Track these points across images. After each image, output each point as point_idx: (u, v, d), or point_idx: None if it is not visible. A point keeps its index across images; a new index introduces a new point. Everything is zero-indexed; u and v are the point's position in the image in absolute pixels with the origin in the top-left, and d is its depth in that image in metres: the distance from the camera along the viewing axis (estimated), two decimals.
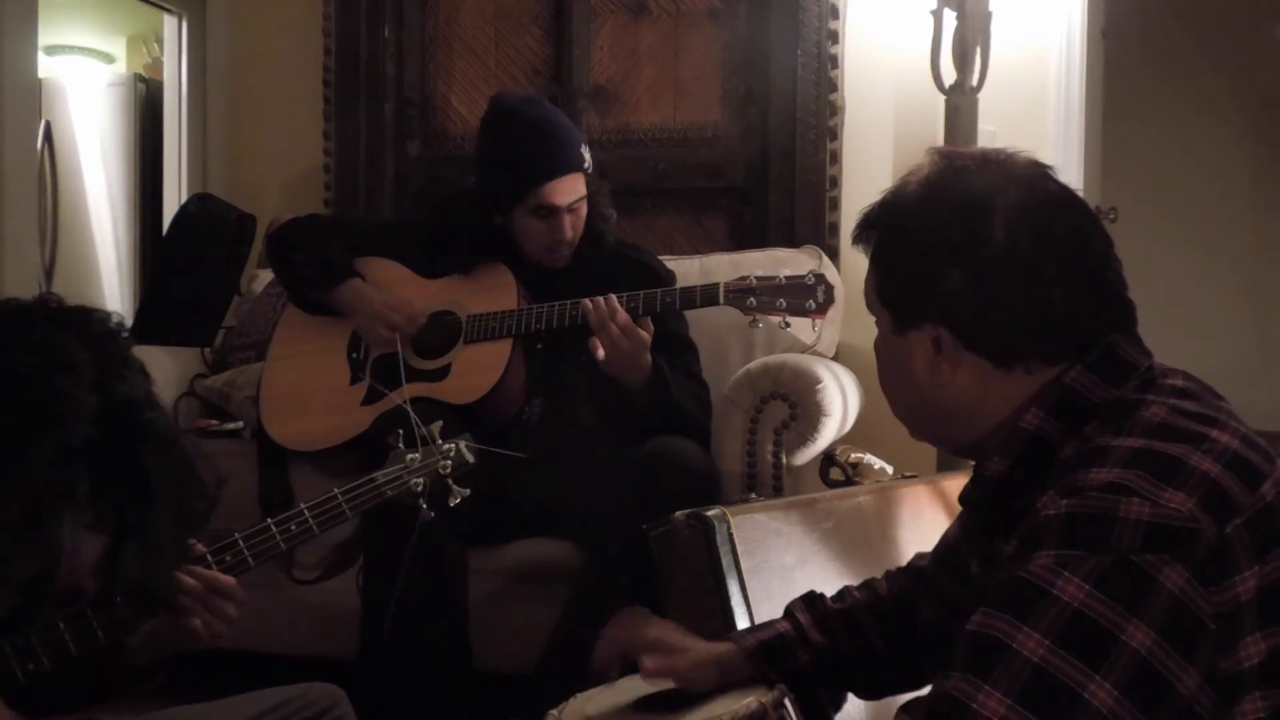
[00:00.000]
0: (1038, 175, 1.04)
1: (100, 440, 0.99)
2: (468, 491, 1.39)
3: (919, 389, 1.07)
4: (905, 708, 0.92)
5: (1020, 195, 1.02)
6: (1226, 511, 0.87)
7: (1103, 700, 0.83)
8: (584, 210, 2.27)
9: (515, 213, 2.24)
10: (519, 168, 2.21)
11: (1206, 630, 0.85)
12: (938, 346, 1.04)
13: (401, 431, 1.37)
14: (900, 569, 1.32)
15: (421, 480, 1.35)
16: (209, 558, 1.23)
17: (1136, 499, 0.86)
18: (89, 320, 1.05)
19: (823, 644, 1.24)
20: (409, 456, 1.36)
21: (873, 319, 1.12)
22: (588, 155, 2.27)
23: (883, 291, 1.09)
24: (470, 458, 1.40)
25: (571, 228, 2.24)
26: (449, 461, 1.37)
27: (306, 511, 1.28)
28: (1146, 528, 0.85)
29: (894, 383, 1.12)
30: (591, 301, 2.08)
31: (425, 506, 1.36)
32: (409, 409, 1.38)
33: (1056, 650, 0.84)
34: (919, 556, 1.32)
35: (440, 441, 1.39)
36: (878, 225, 1.10)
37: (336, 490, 1.31)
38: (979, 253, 1.00)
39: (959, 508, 1.19)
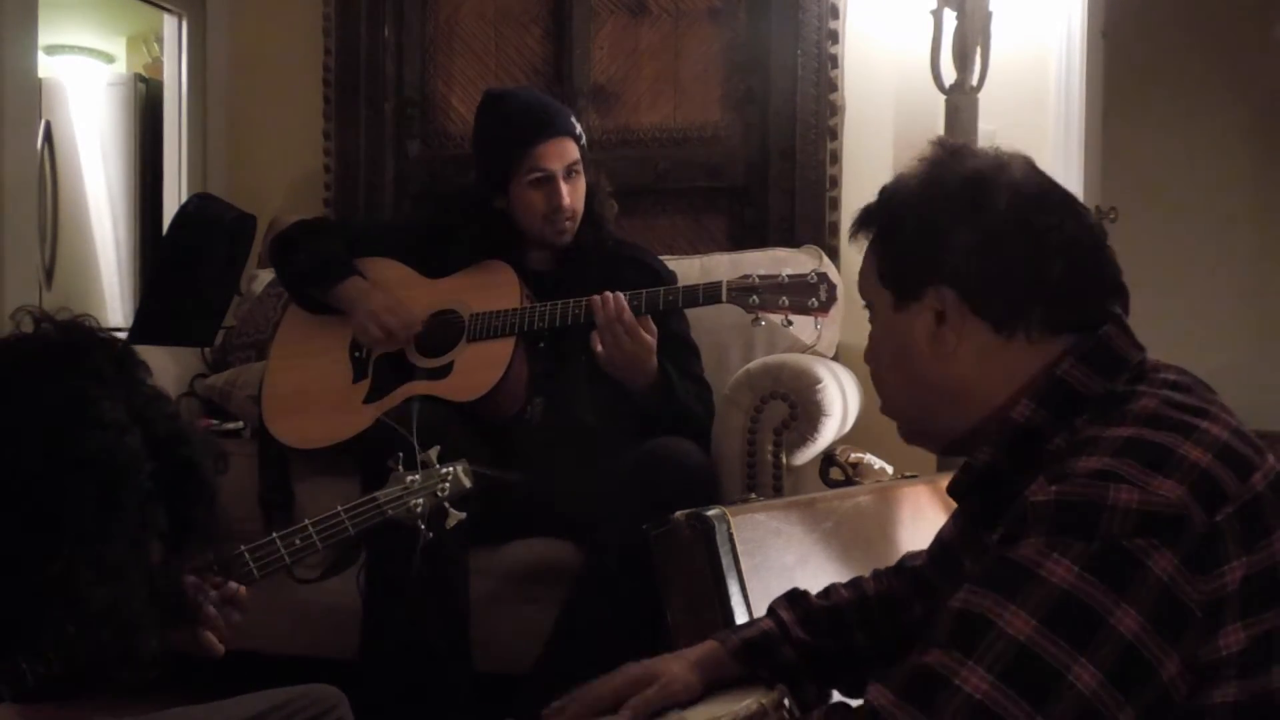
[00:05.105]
0: (1030, 161, 1.09)
1: (158, 470, 1.03)
2: (464, 515, 1.43)
3: (920, 367, 1.06)
4: (878, 678, 0.91)
5: (1021, 173, 1.06)
6: (1217, 500, 0.87)
7: (1086, 682, 0.83)
8: (581, 183, 2.29)
9: (514, 188, 2.26)
10: (511, 136, 2.26)
11: (1193, 618, 0.85)
12: (940, 318, 1.04)
13: (401, 454, 1.40)
14: (889, 569, 1.32)
15: (421, 501, 1.39)
16: (246, 555, 1.27)
17: (1126, 486, 0.86)
18: (98, 355, 1.06)
19: (806, 641, 1.24)
20: (409, 478, 1.39)
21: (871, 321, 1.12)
22: (579, 127, 2.31)
23: (884, 268, 1.09)
24: (468, 482, 1.44)
25: (569, 195, 2.25)
26: (447, 485, 1.41)
27: (310, 527, 1.31)
28: (1137, 515, 0.85)
29: (892, 367, 1.11)
30: (600, 297, 2.09)
31: (424, 528, 1.39)
32: (414, 443, 1.40)
33: (1043, 630, 0.84)
34: (909, 556, 1.32)
35: (439, 465, 1.42)
36: (879, 211, 1.11)
37: (340, 508, 1.34)
38: (985, 215, 1.03)
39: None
